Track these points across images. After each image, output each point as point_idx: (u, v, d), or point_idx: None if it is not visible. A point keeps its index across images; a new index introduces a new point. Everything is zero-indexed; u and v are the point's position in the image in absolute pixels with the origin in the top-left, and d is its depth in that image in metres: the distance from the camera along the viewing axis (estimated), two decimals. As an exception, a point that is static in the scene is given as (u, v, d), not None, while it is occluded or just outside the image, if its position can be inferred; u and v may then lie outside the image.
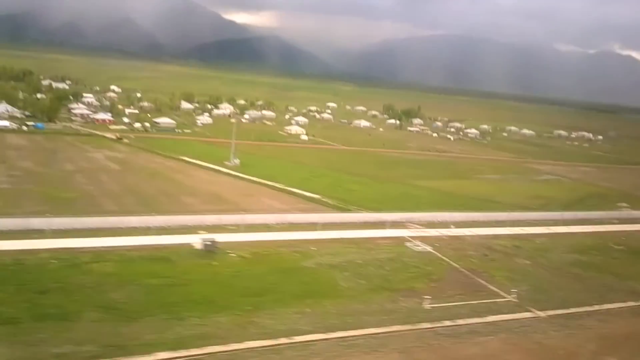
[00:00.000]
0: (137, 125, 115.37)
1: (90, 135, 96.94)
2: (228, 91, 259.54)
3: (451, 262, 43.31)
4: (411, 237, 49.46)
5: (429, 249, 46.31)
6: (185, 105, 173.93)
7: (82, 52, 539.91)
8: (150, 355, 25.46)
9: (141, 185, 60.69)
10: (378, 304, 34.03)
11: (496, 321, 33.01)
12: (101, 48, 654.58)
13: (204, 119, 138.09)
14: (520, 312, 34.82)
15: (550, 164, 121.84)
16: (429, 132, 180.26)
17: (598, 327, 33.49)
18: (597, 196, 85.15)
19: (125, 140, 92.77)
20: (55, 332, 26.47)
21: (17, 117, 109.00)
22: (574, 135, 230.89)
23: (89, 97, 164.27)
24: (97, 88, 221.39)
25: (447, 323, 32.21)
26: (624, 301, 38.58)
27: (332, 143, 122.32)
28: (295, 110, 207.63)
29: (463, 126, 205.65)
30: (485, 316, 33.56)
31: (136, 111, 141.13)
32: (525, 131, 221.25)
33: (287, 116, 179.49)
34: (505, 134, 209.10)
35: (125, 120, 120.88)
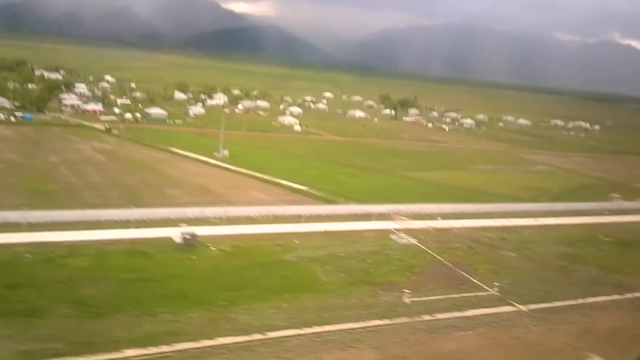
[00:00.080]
0: (128, 116, 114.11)
1: (79, 126, 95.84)
2: (224, 81, 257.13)
3: (435, 255, 42.80)
4: (397, 229, 48.88)
5: (413, 241, 45.76)
6: (179, 95, 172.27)
7: (80, 42, 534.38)
8: (118, 353, 25.00)
9: (126, 177, 59.91)
10: (357, 298, 33.56)
11: (476, 315, 32.58)
12: (99, 37, 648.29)
13: (196, 109, 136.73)
14: (501, 306, 34.37)
15: (545, 154, 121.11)
16: (424, 122, 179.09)
17: (580, 322, 33.08)
18: (590, 187, 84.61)
19: (114, 131, 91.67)
20: (22, 328, 25.89)
21: (6, 108, 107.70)
22: (570, 125, 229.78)
23: (81, 88, 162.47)
24: (91, 78, 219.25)
25: (427, 317, 31.78)
26: (609, 294, 38.16)
27: (325, 134, 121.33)
28: (290, 100, 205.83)
29: (459, 116, 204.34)
30: (466, 310, 33.13)
31: (128, 102, 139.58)
32: (522, 121, 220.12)
33: (281, 106, 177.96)
34: (501, 124, 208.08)
35: (116, 110, 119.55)
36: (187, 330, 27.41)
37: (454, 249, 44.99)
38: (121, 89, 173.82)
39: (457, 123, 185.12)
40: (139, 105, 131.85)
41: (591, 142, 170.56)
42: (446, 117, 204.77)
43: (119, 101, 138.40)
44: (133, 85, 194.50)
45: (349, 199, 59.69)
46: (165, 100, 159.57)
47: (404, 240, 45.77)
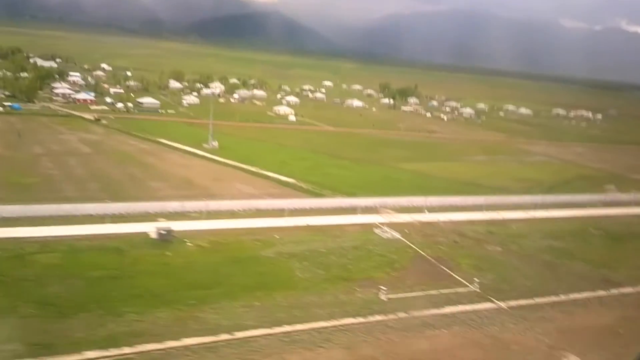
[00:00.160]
0: (120, 105, 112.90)
1: (67, 116, 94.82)
2: (224, 69, 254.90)
3: (418, 250, 41.95)
4: (381, 223, 47.97)
5: (397, 235, 44.87)
6: (174, 84, 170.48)
7: (81, 29, 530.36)
8: (78, 355, 24.37)
9: (109, 170, 59.09)
10: (332, 296, 32.82)
11: (453, 313, 31.82)
12: (100, 25, 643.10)
13: (190, 98, 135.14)
14: (480, 302, 33.56)
15: (543, 145, 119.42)
16: (423, 111, 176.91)
17: (560, 319, 32.29)
18: (586, 178, 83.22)
19: (103, 122, 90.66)
20: (-21, 329, 25.36)
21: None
22: (572, 114, 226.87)
23: (75, 76, 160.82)
24: (86, 66, 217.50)
25: (402, 315, 31.03)
26: (593, 290, 37.30)
27: (320, 124, 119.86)
28: (288, 89, 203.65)
29: (458, 105, 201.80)
30: (443, 307, 32.38)
31: (122, 91, 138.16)
32: (523, 110, 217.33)
33: (278, 96, 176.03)
34: (502, 113, 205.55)
35: (108, 100, 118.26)
36: (153, 330, 26.75)
37: (438, 244, 44.13)
38: (115, 77, 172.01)
39: (456, 112, 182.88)
40: (132, 94, 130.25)
41: (592, 132, 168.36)
42: (446, 106, 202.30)
43: (112, 90, 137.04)
44: (129, 73, 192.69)
45: (337, 191, 58.73)
46: (160, 89, 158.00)
47: (388, 235, 44.91)
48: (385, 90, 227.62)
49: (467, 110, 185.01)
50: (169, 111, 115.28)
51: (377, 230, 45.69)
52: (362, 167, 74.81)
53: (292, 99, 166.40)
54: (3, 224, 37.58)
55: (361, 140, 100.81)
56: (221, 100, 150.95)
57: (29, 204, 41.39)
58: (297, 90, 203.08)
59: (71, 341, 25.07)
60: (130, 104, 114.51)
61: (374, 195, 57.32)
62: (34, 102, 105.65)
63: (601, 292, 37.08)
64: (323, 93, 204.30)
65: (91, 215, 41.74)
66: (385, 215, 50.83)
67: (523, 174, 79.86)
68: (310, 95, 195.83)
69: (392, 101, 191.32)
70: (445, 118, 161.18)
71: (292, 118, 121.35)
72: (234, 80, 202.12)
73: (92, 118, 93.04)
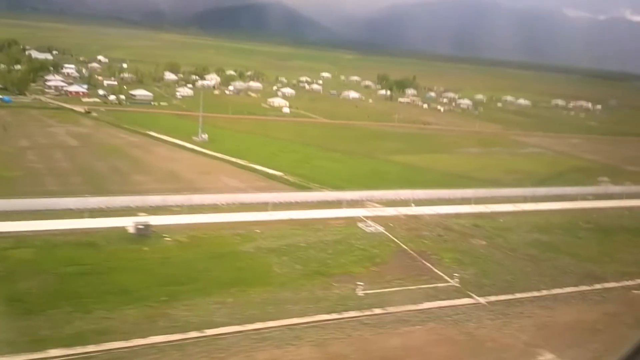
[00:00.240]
0: (112, 97, 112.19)
1: (58, 108, 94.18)
2: (222, 61, 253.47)
3: (401, 244, 41.45)
4: (366, 216, 47.47)
5: (381, 229, 44.37)
6: (169, 76, 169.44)
7: (82, 21, 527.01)
8: (41, 353, 24.01)
9: (94, 163, 58.62)
10: (308, 291, 32.37)
11: (430, 309, 31.34)
12: (101, 16, 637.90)
13: (184, 90, 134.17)
14: (459, 298, 33.11)
15: (539, 136, 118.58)
16: (420, 103, 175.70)
17: (539, 315, 31.78)
18: (580, 170, 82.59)
19: (94, 114, 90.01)
20: (-58, 328, 25.01)
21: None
22: (571, 104, 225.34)
23: (69, 68, 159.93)
24: (82, 58, 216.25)
25: (377, 311, 30.58)
26: (576, 285, 36.69)
27: (314, 116, 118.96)
28: (285, 81, 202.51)
29: (456, 96, 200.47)
30: (420, 303, 31.90)
31: (115, 83, 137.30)
32: (521, 101, 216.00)
33: (275, 87, 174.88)
34: (500, 104, 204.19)
35: (101, 92, 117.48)
36: (120, 328, 26.33)
37: (422, 237, 43.59)
38: (110, 69, 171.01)
39: (453, 104, 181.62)
40: (124, 86, 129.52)
41: (590, 123, 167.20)
42: (444, 97, 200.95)
43: (106, 82, 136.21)
44: (125, 65, 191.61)
45: (324, 184, 58.22)
46: (155, 81, 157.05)
47: (371, 229, 44.40)
48: (383, 81, 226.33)
49: (465, 102, 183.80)
50: (162, 103, 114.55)
51: (360, 224, 45.18)
52: (353, 160, 74.22)
53: (288, 90, 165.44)
54: (-22, 219, 37.25)
55: (354, 132, 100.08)
56: (216, 92, 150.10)
57: (8, 198, 40.98)
58: (294, 81, 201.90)
59: (35, 339, 24.65)
60: (122, 96, 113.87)
61: (362, 188, 56.88)
62: (25, 95, 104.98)
63: (584, 287, 36.48)
64: (320, 84, 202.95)
65: (70, 210, 41.23)
66: (370, 208, 50.32)
67: (515, 166, 79.22)
68: (307, 86, 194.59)
69: (389, 93, 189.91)
70: (441, 109, 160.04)
71: (286, 110, 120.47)
72: (230, 72, 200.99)
73: (82, 111, 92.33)
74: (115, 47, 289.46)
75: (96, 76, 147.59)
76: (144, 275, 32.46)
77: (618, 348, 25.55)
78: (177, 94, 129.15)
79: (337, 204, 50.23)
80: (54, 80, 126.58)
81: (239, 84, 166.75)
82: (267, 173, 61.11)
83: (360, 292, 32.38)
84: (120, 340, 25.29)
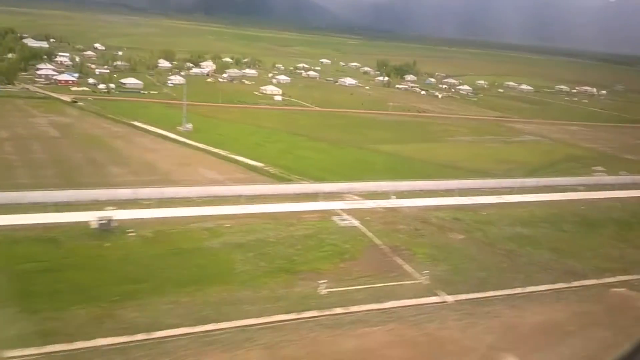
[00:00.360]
0: (102, 86, 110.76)
1: (45, 98, 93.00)
2: (222, 47, 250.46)
3: (374, 239, 40.26)
4: (343, 209, 46.23)
5: (356, 223, 43.14)
6: (164, 63, 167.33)
7: (85, 8, 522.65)
8: (-22, 356, 23.29)
9: (71, 154, 57.60)
10: (269, 290, 31.34)
11: (394, 308, 30.23)
12: (106, 3, 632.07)
13: (176, 78, 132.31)
14: (425, 296, 31.96)
15: (536, 123, 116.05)
16: (418, 89, 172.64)
17: (508, 315, 30.57)
18: (575, 159, 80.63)
19: (80, 104, 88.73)
20: None
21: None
22: (575, 90, 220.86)
23: (63, 57, 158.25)
24: (80, 46, 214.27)
25: (338, 310, 29.52)
26: (553, 283, 35.40)
27: (306, 104, 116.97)
28: (282, 67, 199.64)
29: (456, 82, 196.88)
30: (384, 302, 30.79)
31: (108, 71, 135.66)
32: (524, 86, 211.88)
33: (270, 75, 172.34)
34: (501, 90, 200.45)
35: (91, 81, 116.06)
36: (65, 329, 25.45)
37: (397, 232, 42.31)
38: (103, 57, 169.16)
39: (453, 90, 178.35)
40: (114, 75, 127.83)
41: (592, 109, 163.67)
42: (444, 83, 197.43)
43: (98, 71, 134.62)
44: (120, 53, 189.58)
45: (305, 176, 56.94)
46: (149, 69, 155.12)
47: (346, 223, 43.16)
48: (382, 67, 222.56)
49: (465, 88, 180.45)
50: (152, 92, 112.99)
51: (335, 218, 43.97)
52: (339, 150, 72.71)
53: (283, 77, 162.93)
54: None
55: (344, 121, 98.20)
56: (209, 80, 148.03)
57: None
58: (291, 68, 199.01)
59: (-26, 342, 23.94)
60: (112, 85, 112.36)
61: (344, 179, 55.55)
62: (14, 84, 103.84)
63: (561, 285, 35.20)
64: (317, 71, 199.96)
65: (37, 204, 40.30)
66: (348, 201, 49.05)
67: (507, 155, 77.35)
68: (304, 73, 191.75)
69: (386, 79, 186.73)
70: (439, 96, 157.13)
71: (278, 98, 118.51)
72: (227, 59, 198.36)
73: (69, 100, 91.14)
74: (115, 35, 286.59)
75: (89, 64, 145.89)
76: (100, 273, 31.52)
77: (587, 352, 23.86)
78: (169, 82, 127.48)
79: (314, 196, 48.96)
80: (45, 69, 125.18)
81: (234, 72, 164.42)
82: (248, 164, 59.83)
83: (322, 291, 31.32)
84: (63, 343, 24.48)
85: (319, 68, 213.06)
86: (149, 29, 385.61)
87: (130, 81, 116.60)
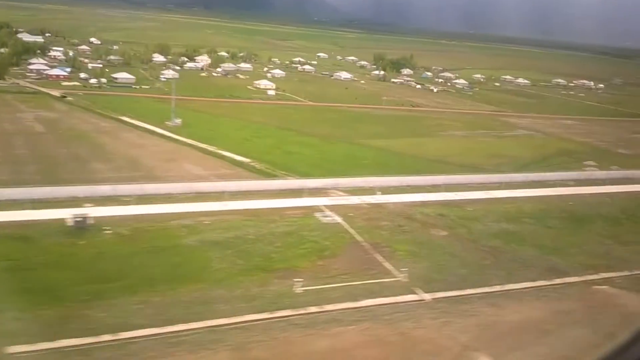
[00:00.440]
0: (93, 81, 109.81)
1: (34, 93, 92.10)
2: (219, 41, 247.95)
3: (356, 236, 39.72)
4: (327, 206, 45.67)
5: (338, 220, 42.57)
6: (159, 58, 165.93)
7: (84, 2, 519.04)
8: None
9: (55, 150, 56.95)
10: (244, 289, 30.82)
11: (369, 306, 29.73)
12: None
13: (169, 73, 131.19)
14: (403, 295, 31.44)
15: (531, 117, 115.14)
16: (414, 83, 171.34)
17: (485, 314, 30.07)
18: (567, 153, 79.85)
19: (69, 99, 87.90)
20: None
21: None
22: (573, 83, 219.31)
23: (57, 51, 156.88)
24: (76, 40, 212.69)
25: (313, 309, 29.01)
26: (534, 280, 34.89)
27: (299, 98, 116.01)
28: (278, 61, 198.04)
29: (453, 76, 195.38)
30: (360, 300, 30.32)
31: (101, 65, 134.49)
32: (520, 80, 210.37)
33: (265, 69, 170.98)
34: (497, 84, 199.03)
35: (82, 75, 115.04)
36: (29, 330, 24.90)
37: (380, 228, 41.76)
38: (97, 51, 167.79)
39: (449, 84, 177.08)
40: (110, 69, 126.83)
41: (588, 103, 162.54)
42: (440, 77, 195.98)
43: (91, 65, 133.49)
44: (116, 47, 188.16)
45: (292, 172, 56.29)
46: (143, 63, 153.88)
47: (328, 219, 42.60)
48: (379, 61, 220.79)
49: (461, 82, 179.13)
50: (144, 86, 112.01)
51: (318, 214, 43.41)
52: (328, 145, 72.00)
53: (278, 72, 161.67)
54: None
55: (337, 115, 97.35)
56: (203, 74, 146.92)
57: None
58: (287, 62, 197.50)
59: None
60: (103, 80, 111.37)
61: (331, 175, 54.87)
62: (4, 79, 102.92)
63: (542, 282, 34.69)
64: (314, 65, 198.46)
65: (13, 201, 39.77)
66: (333, 197, 48.46)
67: (499, 150, 76.63)
68: (299, 67, 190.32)
69: (382, 73, 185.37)
70: (434, 90, 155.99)
71: (272, 92, 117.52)
72: (222, 53, 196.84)
73: (59, 95, 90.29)
74: (112, 29, 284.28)
75: (82, 59, 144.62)
76: (72, 272, 31.00)
77: (563, 352, 23.18)
78: (161, 76, 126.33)
79: (298, 192, 48.40)
80: (37, 63, 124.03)
81: (229, 66, 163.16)
82: (235, 160, 59.14)
83: (298, 289, 30.83)
84: (25, 344, 23.95)
85: (315, 62, 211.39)
86: (147, 23, 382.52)
87: (122, 76, 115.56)
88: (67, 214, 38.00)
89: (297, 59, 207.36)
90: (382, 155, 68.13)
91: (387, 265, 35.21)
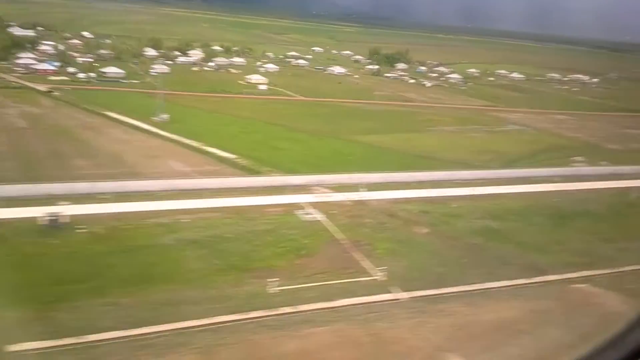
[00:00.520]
0: (82, 75, 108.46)
1: (20, 88, 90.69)
2: (214, 35, 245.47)
3: (336, 233, 39.26)
4: (309, 203, 45.19)
5: (319, 217, 42.10)
6: (151, 52, 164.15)
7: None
8: None
9: (36, 147, 56.02)
10: (217, 289, 30.35)
11: (344, 306, 29.34)
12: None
13: (160, 67, 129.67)
14: (379, 294, 31.05)
15: (522, 112, 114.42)
16: (407, 78, 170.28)
17: (461, 313, 29.70)
18: (556, 149, 79.32)
19: (55, 94, 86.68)
20: None
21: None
22: (567, 78, 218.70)
23: (47, 45, 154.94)
24: (68, 34, 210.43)
25: (286, 310, 28.62)
26: (512, 279, 34.53)
27: (291, 93, 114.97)
28: (272, 56, 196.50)
29: (447, 71, 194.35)
30: (335, 300, 29.92)
31: (91, 60, 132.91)
32: (515, 74, 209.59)
33: (258, 63, 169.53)
34: (492, 78, 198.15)
35: (71, 70, 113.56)
36: (-11, 333, 24.55)
37: (362, 226, 41.35)
38: (87, 45, 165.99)
39: (443, 78, 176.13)
40: (99, 63, 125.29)
41: (582, 98, 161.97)
42: (434, 72, 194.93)
43: (80, 59, 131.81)
44: (108, 41, 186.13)
45: (278, 168, 55.64)
46: (135, 57, 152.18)
47: (309, 217, 42.14)
48: (374, 55, 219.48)
49: (455, 76, 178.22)
50: (133, 81, 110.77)
51: (299, 212, 42.93)
52: (317, 141, 71.29)
53: (271, 66, 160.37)
54: None
55: (327, 110, 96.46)
56: (194, 68, 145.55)
57: None
58: (281, 56, 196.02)
59: None
60: (92, 74, 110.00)
61: (317, 171, 54.40)
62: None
63: (521, 281, 34.35)
64: (308, 60, 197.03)
65: (-13, 199, 39.18)
66: (316, 194, 47.94)
67: (488, 146, 76.03)
68: (293, 62, 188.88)
69: (376, 67, 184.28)
70: (428, 85, 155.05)
71: (263, 87, 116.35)
72: (216, 47, 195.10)
73: (45, 90, 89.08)
74: (107, 23, 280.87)
75: (72, 53, 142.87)
76: (41, 272, 30.42)
77: (537, 353, 22.58)
78: (152, 71, 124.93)
79: (281, 189, 47.88)
80: (25, 57, 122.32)
81: (221, 60, 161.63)
82: (220, 156, 58.42)
83: (272, 289, 30.38)
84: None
85: (310, 56, 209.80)
86: (142, 17, 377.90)
87: (112, 70, 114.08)
88: (42, 212, 37.52)
89: (291, 53, 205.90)
90: (369, 151, 67.52)
91: (366, 263, 34.80)
